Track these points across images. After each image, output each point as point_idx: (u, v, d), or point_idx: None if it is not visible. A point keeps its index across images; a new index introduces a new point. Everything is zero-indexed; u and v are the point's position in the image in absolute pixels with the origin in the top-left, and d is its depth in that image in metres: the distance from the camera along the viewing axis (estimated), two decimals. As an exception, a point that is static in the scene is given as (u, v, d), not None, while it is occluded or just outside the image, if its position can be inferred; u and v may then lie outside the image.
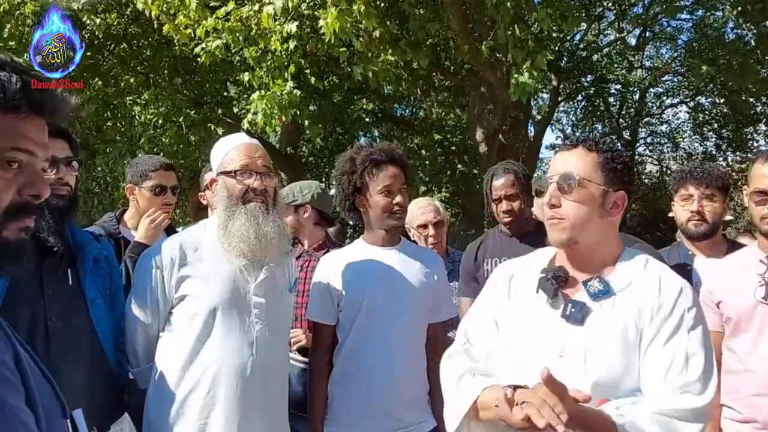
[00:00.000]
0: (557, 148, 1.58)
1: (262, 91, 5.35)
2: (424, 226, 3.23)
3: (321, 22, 4.71)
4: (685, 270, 2.48)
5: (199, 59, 5.63)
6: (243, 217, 1.96)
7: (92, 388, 1.86)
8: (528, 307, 1.53)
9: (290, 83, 5.35)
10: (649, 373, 1.39)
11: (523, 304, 1.55)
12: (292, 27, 4.88)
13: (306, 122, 6.46)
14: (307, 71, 7.01)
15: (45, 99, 0.88)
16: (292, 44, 5.07)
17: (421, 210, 3.26)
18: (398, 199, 2.22)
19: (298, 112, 5.63)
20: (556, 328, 1.46)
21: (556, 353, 1.44)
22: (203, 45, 5.33)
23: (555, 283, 1.48)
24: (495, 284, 1.67)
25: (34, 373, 0.86)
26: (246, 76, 5.52)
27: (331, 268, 2.29)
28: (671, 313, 1.41)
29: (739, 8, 7.59)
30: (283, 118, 5.34)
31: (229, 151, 2.05)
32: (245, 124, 5.91)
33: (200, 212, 3.08)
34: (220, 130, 9.69)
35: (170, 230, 2.85)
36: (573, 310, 1.45)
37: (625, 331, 1.41)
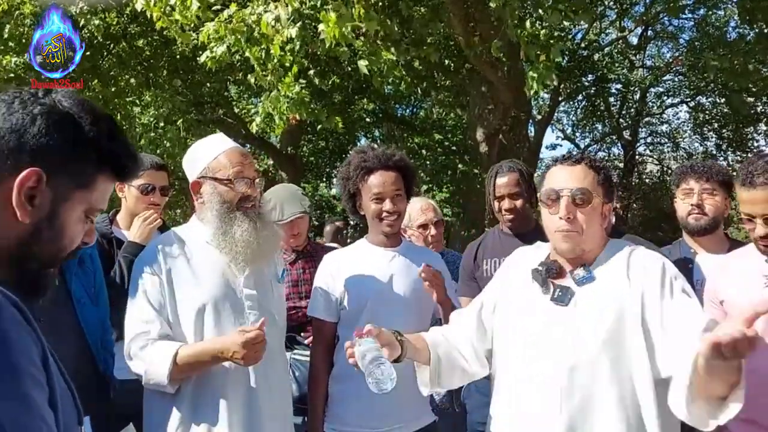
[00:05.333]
0: (558, 163, 1.75)
1: (273, 92, 5.34)
2: (425, 226, 3.24)
3: (321, 26, 4.69)
4: (686, 267, 2.47)
5: (199, 60, 5.62)
6: (245, 224, 1.97)
7: (78, 388, 1.83)
8: (523, 290, 1.75)
9: (299, 82, 5.34)
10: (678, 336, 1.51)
11: (519, 288, 1.77)
12: (292, 32, 4.86)
13: (325, 115, 6.44)
14: (311, 72, 7.00)
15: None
16: (297, 45, 5.05)
17: (421, 210, 3.28)
18: (387, 206, 2.22)
19: (312, 110, 5.62)
20: (546, 308, 1.68)
21: (543, 325, 1.66)
22: (207, 52, 5.30)
23: (545, 274, 1.71)
24: (504, 269, 1.91)
25: (57, 376, 0.86)
26: (253, 78, 5.51)
27: (334, 267, 2.30)
28: (662, 284, 1.58)
29: (745, 7, 7.55)
30: (297, 116, 5.34)
31: (218, 155, 2.02)
32: (253, 127, 5.90)
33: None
34: (218, 133, 9.66)
35: (164, 230, 2.83)
36: (560, 293, 1.68)
37: (603, 309, 1.60)
